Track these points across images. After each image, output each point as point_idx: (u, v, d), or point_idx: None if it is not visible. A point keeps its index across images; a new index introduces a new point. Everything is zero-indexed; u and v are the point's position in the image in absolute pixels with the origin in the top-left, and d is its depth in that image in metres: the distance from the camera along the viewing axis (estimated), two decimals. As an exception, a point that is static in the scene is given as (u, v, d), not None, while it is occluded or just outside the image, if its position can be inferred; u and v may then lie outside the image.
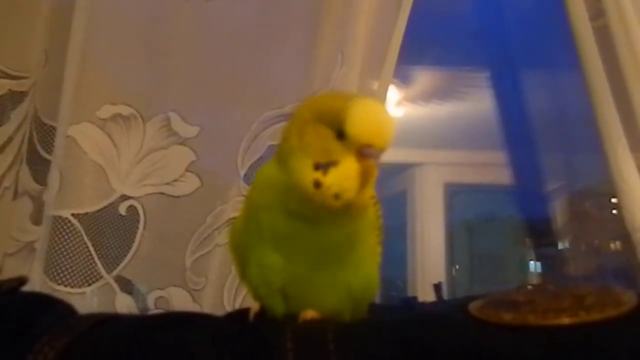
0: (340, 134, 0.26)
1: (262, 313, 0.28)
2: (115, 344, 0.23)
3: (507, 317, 0.23)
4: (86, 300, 0.55)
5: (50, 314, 0.25)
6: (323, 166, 0.25)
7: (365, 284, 0.29)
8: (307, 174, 0.26)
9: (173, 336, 0.23)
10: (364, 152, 0.25)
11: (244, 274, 0.30)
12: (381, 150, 0.26)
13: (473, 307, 0.24)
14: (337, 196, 0.25)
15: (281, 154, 0.28)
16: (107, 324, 0.25)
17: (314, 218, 0.26)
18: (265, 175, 0.30)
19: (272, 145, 0.60)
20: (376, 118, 0.26)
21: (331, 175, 0.25)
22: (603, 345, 0.21)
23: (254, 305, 0.28)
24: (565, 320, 0.22)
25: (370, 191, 0.27)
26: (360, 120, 0.25)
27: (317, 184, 0.25)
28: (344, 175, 0.25)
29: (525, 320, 0.22)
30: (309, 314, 0.27)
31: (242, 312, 0.29)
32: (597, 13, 0.70)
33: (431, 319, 0.25)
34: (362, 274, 0.29)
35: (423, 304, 0.46)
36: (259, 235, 0.28)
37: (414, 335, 0.23)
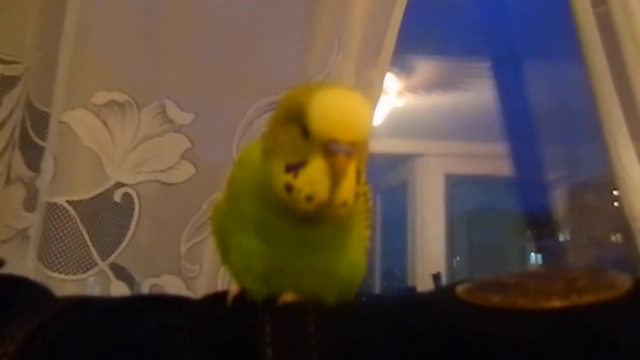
0: (306, 132, 0.24)
1: (242, 295, 0.27)
2: (89, 327, 0.22)
3: (495, 299, 0.22)
4: (81, 287, 0.55)
5: (25, 297, 0.25)
6: (294, 167, 0.24)
7: (351, 269, 0.28)
8: (278, 178, 0.24)
9: (150, 321, 0.23)
10: (329, 148, 0.24)
11: (225, 258, 0.29)
12: (349, 143, 0.24)
13: (460, 289, 0.24)
14: (309, 199, 0.24)
15: (263, 148, 0.27)
16: (82, 306, 0.24)
17: (296, 219, 0.25)
18: (249, 160, 0.28)
19: (267, 132, 0.60)
20: (338, 110, 0.24)
21: (301, 177, 0.24)
22: (596, 328, 0.20)
23: (233, 288, 0.28)
24: (556, 303, 0.21)
25: (351, 187, 0.24)
26: (321, 114, 0.24)
27: (289, 188, 0.24)
28: (313, 176, 0.24)
29: (514, 303, 0.22)
30: (289, 297, 0.26)
31: (221, 295, 0.28)
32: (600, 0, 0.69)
33: (414, 302, 0.25)
34: (348, 259, 0.28)
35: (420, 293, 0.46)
36: (240, 220, 0.27)
37: (395, 317, 0.23)
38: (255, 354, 0.21)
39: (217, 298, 0.27)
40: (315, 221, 0.25)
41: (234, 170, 0.30)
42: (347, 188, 0.24)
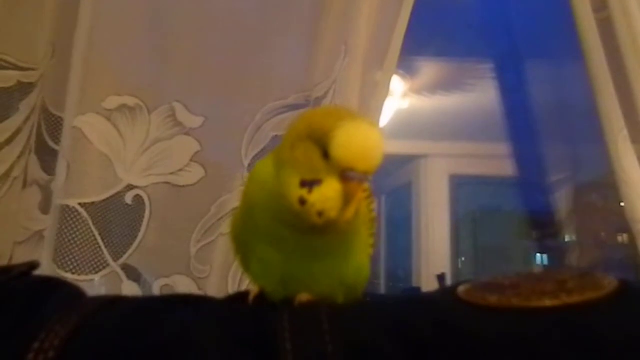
0: (326, 154, 0.26)
1: (261, 296, 0.30)
2: (121, 324, 0.24)
3: (492, 299, 0.24)
4: (93, 287, 0.56)
5: (60, 296, 0.26)
6: (308, 184, 0.26)
7: (356, 273, 0.31)
8: (293, 191, 0.26)
9: (176, 318, 0.25)
10: (346, 175, 0.26)
11: (246, 266, 0.32)
12: (365, 174, 0.26)
13: (461, 290, 0.26)
14: (320, 214, 0.26)
15: (277, 160, 0.29)
16: (114, 305, 0.26)
17: (304, 229, 0.27)
18: (261, 175, 0.30)
19: (276, 135, 0.61)
20: (361, 143, 0.26)
21: (315, 194, 0.26)
22: (582, 325, 0.22)
23: (253, 289, 0.30)
24: (547, 302, 0.23)
25: (352, 210, 0.27)
26: (345, 143, 0.26)
27: (302, 202, 0.26)
28: (326, 195, 0.26)
29: (509, 302, 0.23)
30: (304, 297, 0.28)
31: (242, 295, 0.30)
32: (601, 5, 0.70)
33: (419, 300, 0.26)
34: (353, 264, 0.30)
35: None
36: (256, 231, 0.30)
37: (401, 314, 0.24)
38: (275, 348, 0.22)
39: (239, 298, 0.29)
40: (321, 231, 0.27)
41: (247, 186, 0.32)
42: (353, 208, 0.27)
